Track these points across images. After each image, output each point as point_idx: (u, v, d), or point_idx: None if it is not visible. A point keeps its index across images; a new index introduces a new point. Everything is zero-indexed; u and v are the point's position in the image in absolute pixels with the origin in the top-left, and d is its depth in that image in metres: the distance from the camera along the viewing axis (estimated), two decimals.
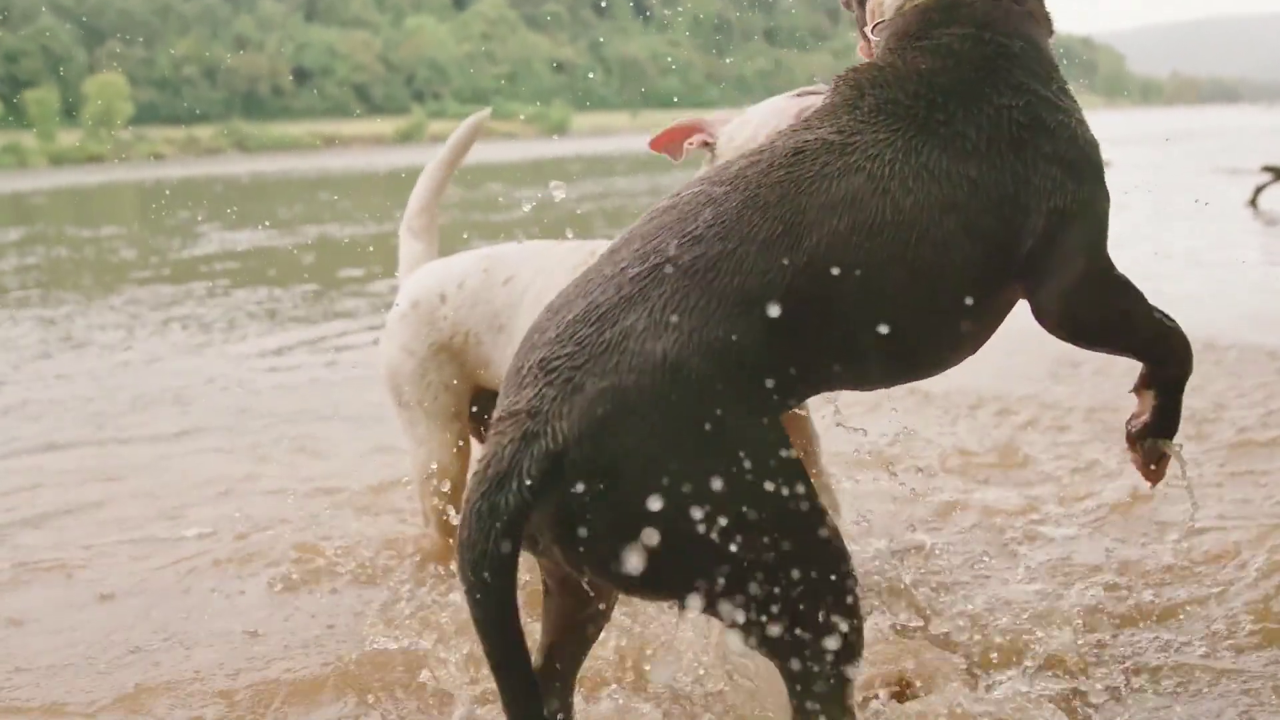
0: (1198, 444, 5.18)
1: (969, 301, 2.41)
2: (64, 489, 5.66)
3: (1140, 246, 11.86)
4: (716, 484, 2.12)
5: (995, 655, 3.25)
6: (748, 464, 2.15)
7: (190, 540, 4.79)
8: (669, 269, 2.24)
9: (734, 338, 2.19)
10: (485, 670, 2.33)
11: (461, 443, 4.03)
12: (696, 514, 2.10)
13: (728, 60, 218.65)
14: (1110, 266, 2.57)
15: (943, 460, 5.27)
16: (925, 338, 2.47)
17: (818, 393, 2.56)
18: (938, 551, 4.13)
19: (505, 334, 3.74)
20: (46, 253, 19.72)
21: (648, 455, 2.11)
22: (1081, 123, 2.56)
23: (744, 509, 2.14)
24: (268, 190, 39.12)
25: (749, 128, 3.18)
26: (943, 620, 3.47)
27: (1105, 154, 2.58)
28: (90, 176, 57.60)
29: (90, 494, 5.56)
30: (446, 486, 4.01)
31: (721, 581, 2.17)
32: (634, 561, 2.11)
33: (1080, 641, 3.30)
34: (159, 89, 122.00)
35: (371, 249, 17.09)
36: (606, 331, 2.18)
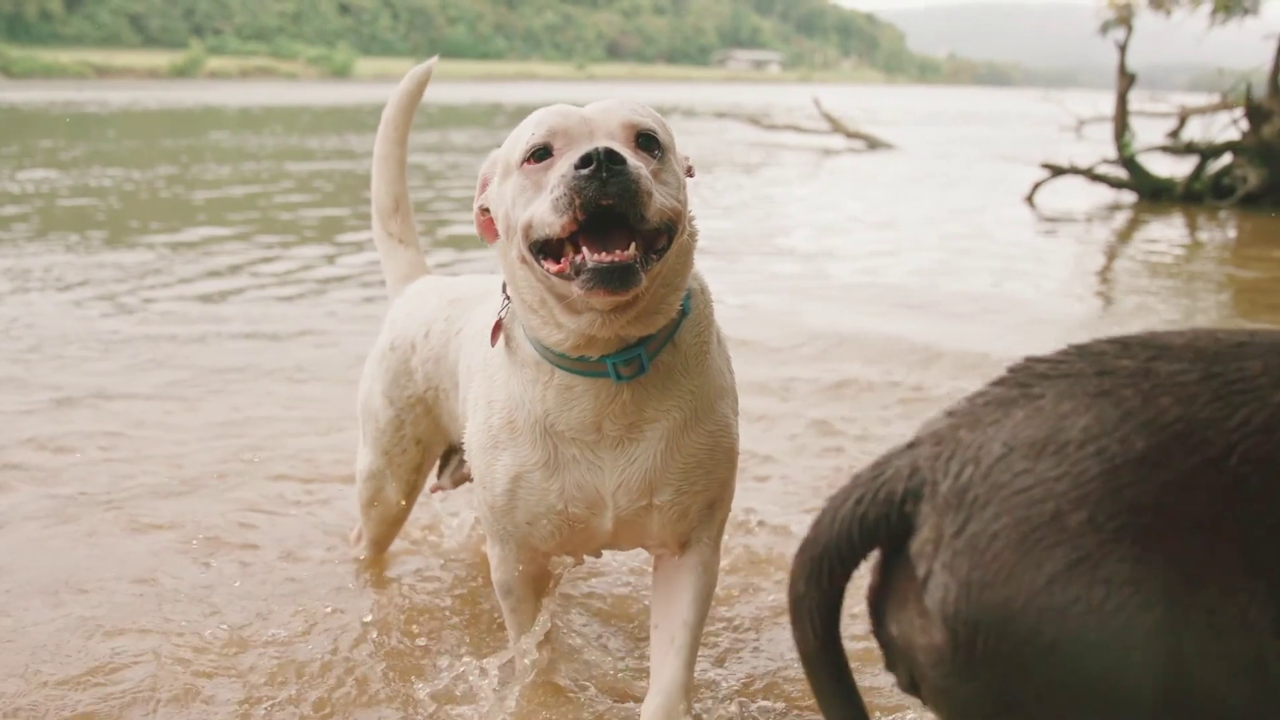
0: None
1: None
2: None
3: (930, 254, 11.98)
4: None
5: None
6: None
7: None
8: None
9: None
10: None
11: (411, 489, 3.89)
12: None
13: (518, 13, 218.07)
14: None
15: None
16: None
17: None
18: None
19: (460, 393, 3.37)
20: None
21: None
22: None
23: None
24: (45, 123, 37.17)
25: (500, 171, 2.75)
26: None
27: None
28: None
29: None
30: (387, 517, 3.98)
31: None
32: None
33: None
34: None
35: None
36: None
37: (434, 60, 4.04)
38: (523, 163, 2.59)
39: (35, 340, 7.47)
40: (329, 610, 3.86)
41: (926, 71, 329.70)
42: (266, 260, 10.97)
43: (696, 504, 2.86)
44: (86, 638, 3.64)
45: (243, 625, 3.74)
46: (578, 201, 2.41)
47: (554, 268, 2.53)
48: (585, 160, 2.41)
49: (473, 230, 2.84)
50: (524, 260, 2.62)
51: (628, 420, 2.75)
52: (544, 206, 2.49)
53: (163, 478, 5.06)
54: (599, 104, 2.68)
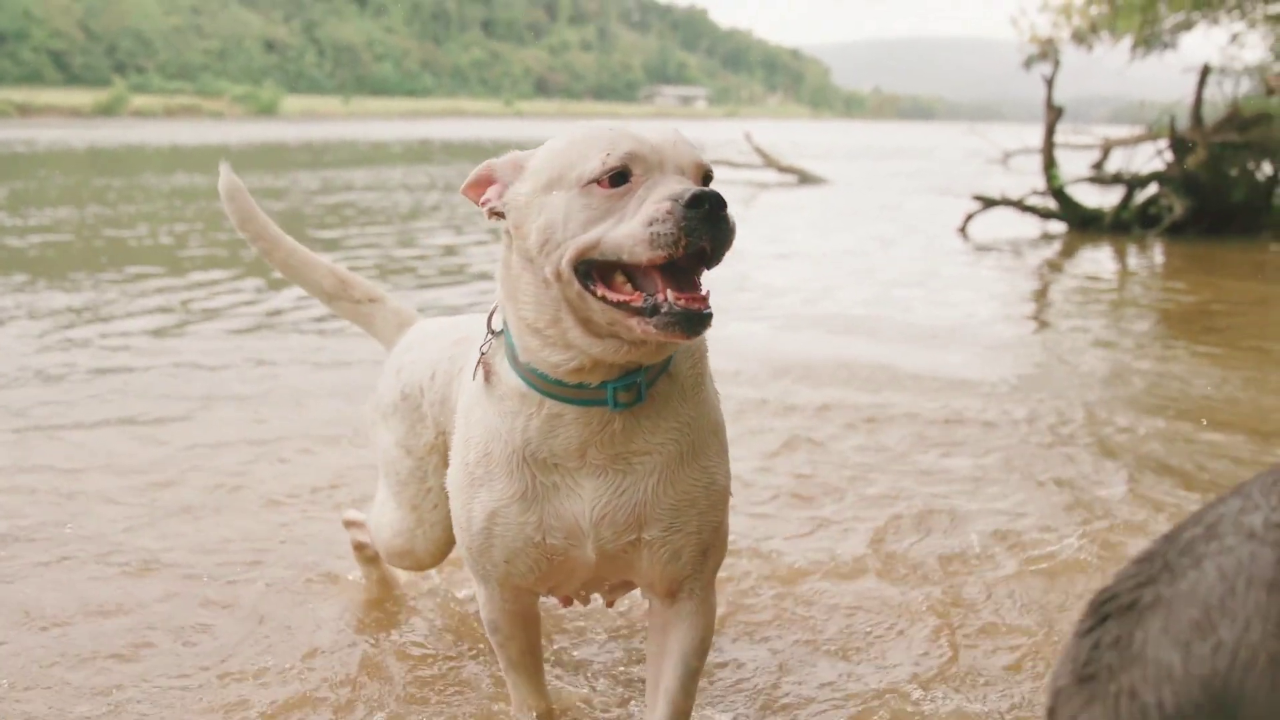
0: None
1: None
2: None
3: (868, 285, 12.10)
4: None
5: None
6: None
7: None
8: None
9: None
10: None
11: (444, 549, 3.62)
12: None
13: (445, 49, 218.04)
14: None
15: None
16: None
17: None
18: None
19: None
20: None
21: None
22: None
23: None
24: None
25: (537, 178, 2.58)
26: None
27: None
28: None
29: None
30: (416, 568, 3.78)
31: None
32: None
33: None
34: None
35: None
36: None
37: (227, 168, 3.96)
38: (590, 182, 2.48)
39: None
40: (314, 647, 3.85)
41: (852, 106, 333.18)
42: (211, 295, 10.92)
43: (689, 546, 2.77)
44: (64, 673, 3.61)
45: (227, 659, 3.73)
46: (683, 241, 2.35)
47: (615, 296, 2.46)
48: (697, 201, 2.36)
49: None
50: (560, 277, 2.50)
51: (614, 450, 2.66)
52: (630, 234, 2.41)
53: (135, 509, 5.04)
54: (659, 133, 2.57)
